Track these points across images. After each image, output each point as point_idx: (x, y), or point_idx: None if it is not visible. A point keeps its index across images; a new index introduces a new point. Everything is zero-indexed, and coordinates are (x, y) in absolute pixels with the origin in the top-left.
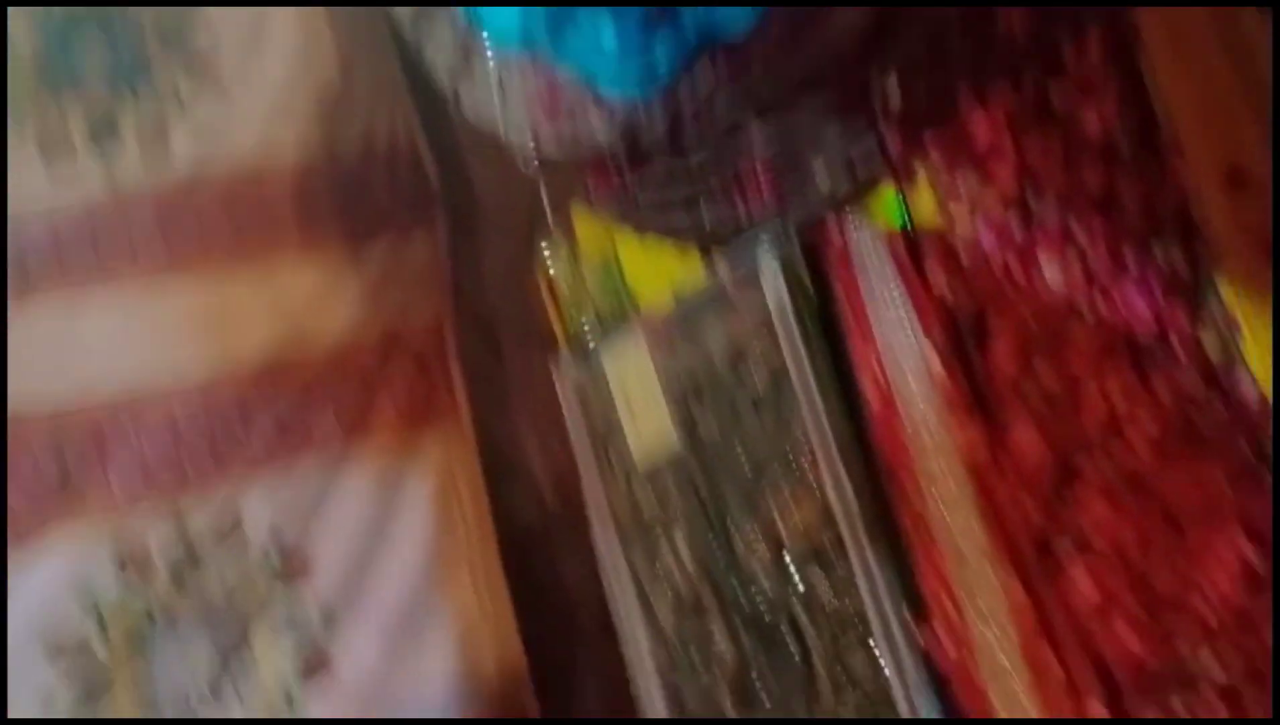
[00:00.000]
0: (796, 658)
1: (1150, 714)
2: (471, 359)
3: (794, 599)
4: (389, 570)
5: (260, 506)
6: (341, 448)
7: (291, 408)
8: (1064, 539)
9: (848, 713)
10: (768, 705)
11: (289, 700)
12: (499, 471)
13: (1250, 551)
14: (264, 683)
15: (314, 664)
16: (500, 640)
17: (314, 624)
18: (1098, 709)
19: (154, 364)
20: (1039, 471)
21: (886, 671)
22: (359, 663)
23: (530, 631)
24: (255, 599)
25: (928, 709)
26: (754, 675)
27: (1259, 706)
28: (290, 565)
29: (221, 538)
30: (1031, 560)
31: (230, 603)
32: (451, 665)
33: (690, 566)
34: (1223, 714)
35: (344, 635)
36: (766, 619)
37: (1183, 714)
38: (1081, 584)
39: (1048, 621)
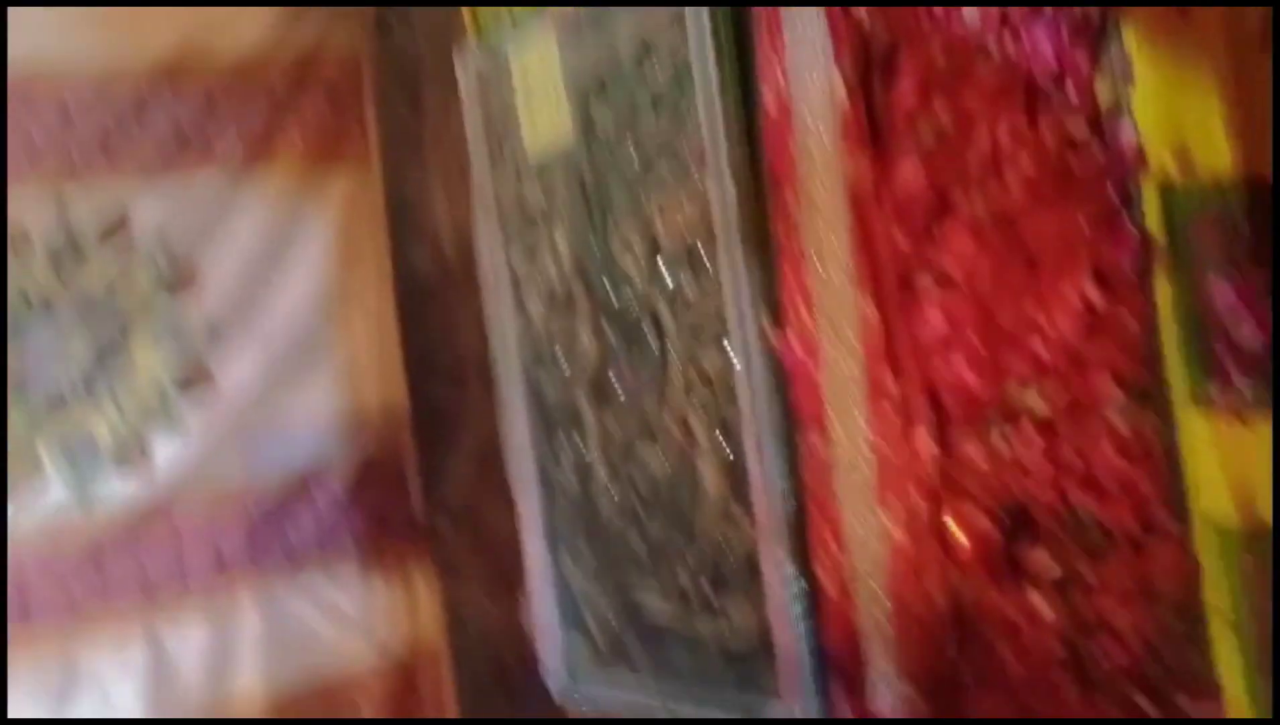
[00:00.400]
0: (654, 353)
1: (971, 446)
2: (388, 102)
3: (660, 298)
4: (280, 296)
5: (150, 210)
6: (242, 167)
7: (192, 116)
8: (925, 274)
9: (694, 409)
10: (621, 398)
11: (166, 407)
12: (403, 220)
13: (1094, 293)
14: (140, 386)
15: (193, 375)
16: (385, 382)
17: (197, 336)
18: (923, 436)
19: (48, 44)
20: (916, 205)
21: (736, 366)
22: (240, 381)
23: (416, 378)
24: (137, 301)
25: (768, 404)
26: (611, 370)
27: (1070, 439)
28: (177, 274)
29: (106, 234)
30: (891, 289)
31: (110, 301)
32: (333, 398)
33: (566, 263)
34: (1036, 445)
35: (227, 351)
36: (632, 316)
37: (1000, 447)
38: (932, 317)
39: (894, 347)
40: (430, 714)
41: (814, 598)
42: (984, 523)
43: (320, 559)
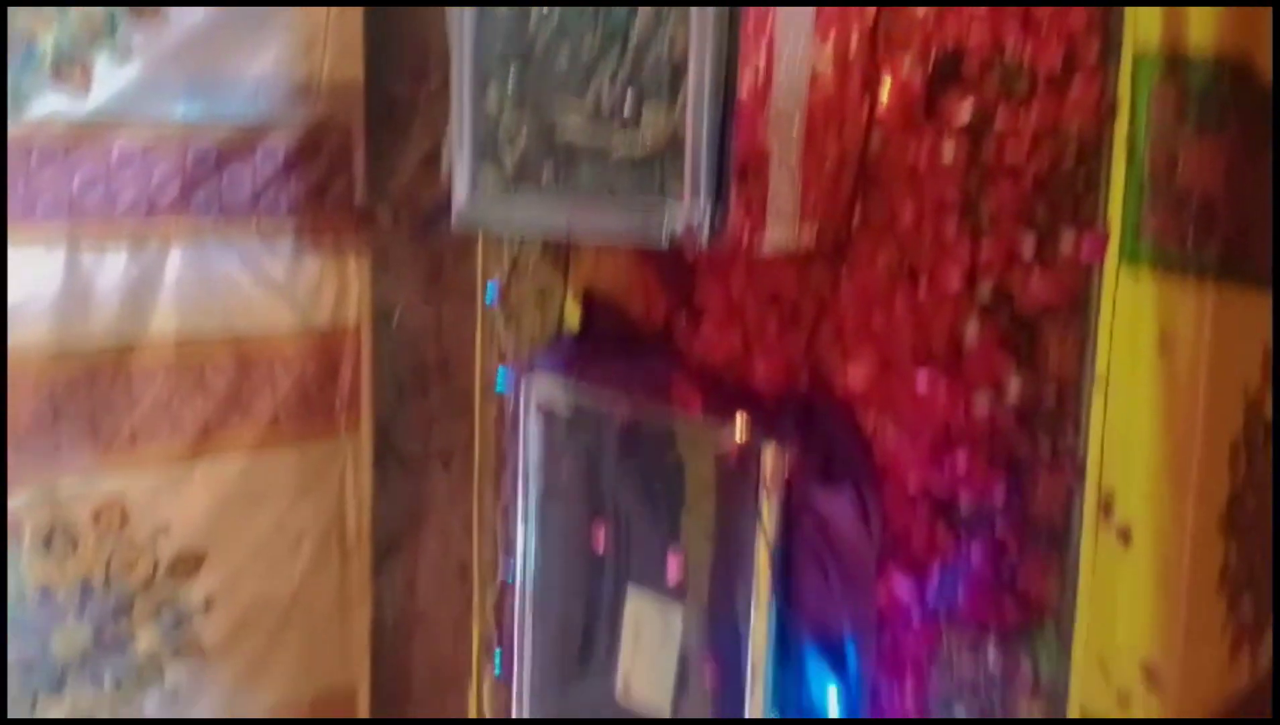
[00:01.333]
0: None
1: None
2: None
3: None
4: None
5: None
6: None
7: None
8: None
9: None
10: None
11: (111, 29)
12: None
13: None
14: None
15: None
16: (343, 56)
17: None
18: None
19: None
20: None
21: None
22: (190, 18)
23: (375, 60)
24: None
25: None
26: None
27: None
28: None
29: None
30: None
31: None
32: (286, 60)
33: None
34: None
35: None
36: None
37: None
38: None
39: None
40: (345, 398)
41: (731, 110)
42: (914, 70)
43: (253, 219)
